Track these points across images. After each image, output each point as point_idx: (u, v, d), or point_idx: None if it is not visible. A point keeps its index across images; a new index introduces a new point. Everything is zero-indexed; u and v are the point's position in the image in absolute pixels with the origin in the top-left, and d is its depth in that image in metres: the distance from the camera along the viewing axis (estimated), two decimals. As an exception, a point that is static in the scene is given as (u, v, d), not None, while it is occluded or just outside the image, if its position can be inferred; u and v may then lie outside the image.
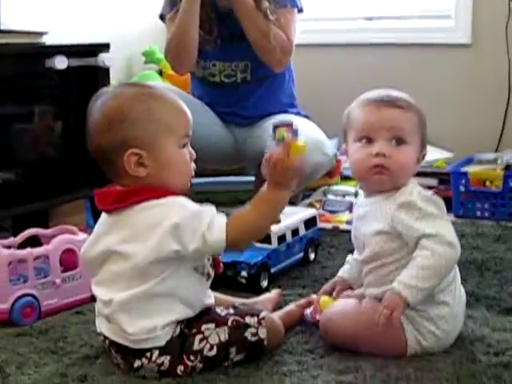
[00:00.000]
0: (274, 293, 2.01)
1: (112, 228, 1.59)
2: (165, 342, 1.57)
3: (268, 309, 1.87)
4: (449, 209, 2.93)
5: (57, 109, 2.63)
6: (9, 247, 2.02)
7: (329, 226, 2.76)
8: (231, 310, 1.65)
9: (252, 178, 3.03)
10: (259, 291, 2.07)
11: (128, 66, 3.74)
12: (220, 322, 1.62)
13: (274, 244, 2.20)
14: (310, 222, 2.38)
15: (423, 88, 3.49)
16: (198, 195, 3.10)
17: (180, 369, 1.58)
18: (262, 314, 1.65)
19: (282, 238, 2.24)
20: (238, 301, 1.83)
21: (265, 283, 2.14)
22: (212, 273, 1.67)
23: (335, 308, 1.75)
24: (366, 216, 1.72)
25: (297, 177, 1.59)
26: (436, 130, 3.46)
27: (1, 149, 2.44)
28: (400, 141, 1.67)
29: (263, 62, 2.74)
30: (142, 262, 1.53)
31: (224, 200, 3.10)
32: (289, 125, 1.60)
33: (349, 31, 3.73)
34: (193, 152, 1.66)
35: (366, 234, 1.70)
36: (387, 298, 1.57)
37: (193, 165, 1.65)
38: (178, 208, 1.54)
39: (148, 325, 1.56)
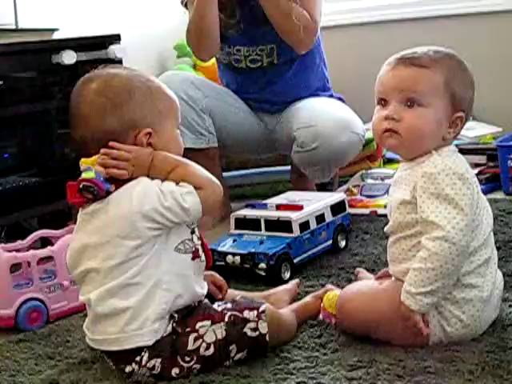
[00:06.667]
0: (291, 283, 1.87)
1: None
2: (152, 342, 1.44)
3: (285, 301, 1.75)
4: (498, 186, 2.80)
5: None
6: (17, 251, 1.93)
7: (366, 211, 2.60)
8: (229, 305, 1.52)
9: (288, 168, 2.89)
10: (281, 283, 1.91)
11: (161, 62, 3.66)
12: (216, 318, 1.49)
13: (296, 232, 2.06)
14: (337, 208, 2.23)
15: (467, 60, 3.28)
16: (233, 189, 3.02)
17: (175, 371, 1.45)
18: (262, 307, 1.51)
19: (304, 226, 2.09)
20: (240, 294, 1.69)
21: (287, 275, 1.99)
22: (201, 253, 1.54)
23: (350, 289, 1.62)
24: (396, 182, 1.59)
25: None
26: (482, 104, 3.26)
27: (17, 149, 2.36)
28: (413, 103, 1.51)
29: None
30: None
31: (262, 192, 2.98)
32: None
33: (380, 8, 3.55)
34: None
35: (393, 202, 1.57)
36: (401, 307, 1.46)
37: None
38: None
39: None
